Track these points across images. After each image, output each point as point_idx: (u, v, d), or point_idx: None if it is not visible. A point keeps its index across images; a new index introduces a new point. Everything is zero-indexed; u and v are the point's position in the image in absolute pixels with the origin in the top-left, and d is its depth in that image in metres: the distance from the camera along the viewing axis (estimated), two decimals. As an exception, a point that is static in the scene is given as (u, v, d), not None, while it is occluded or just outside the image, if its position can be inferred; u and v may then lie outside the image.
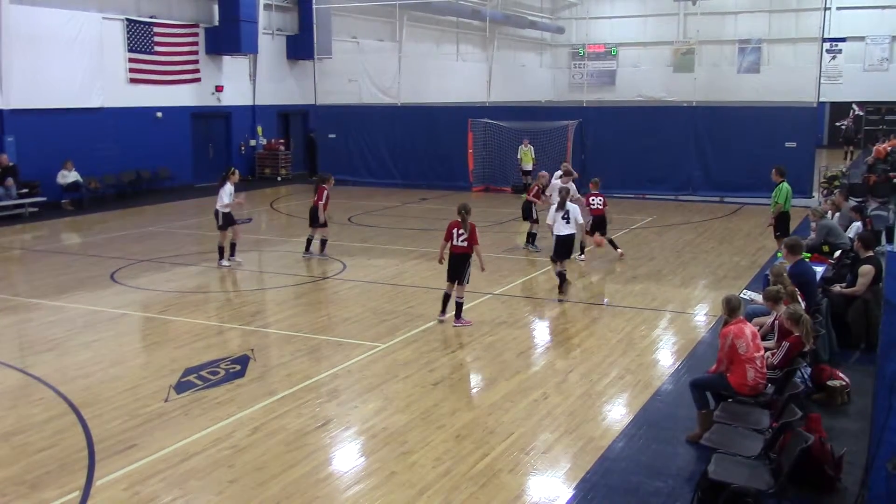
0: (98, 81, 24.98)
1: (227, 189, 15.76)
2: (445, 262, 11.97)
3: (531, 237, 17.64)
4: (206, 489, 7.03)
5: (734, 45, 39.73)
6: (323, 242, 16.80)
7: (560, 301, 13.49)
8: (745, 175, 24.06)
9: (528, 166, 25.81)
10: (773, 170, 15.72)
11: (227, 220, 15.78)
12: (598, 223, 16.19)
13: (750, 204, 23.59)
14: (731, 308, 8.01)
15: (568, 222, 13.70)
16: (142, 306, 13.26)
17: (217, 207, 15.73)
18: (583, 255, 16.47)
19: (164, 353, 10.71)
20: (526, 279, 14.96)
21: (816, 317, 9.58)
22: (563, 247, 13.78)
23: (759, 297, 10.95)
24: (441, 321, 12.06)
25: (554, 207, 14.05)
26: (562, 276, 13.80)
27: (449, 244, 11.82)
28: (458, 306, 11.95)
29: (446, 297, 12.07)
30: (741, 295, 11.18)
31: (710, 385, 8.08)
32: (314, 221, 16.52)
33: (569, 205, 13.78)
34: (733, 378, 7.82)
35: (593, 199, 16.21)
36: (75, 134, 24.20)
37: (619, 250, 16.62)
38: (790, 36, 41.61)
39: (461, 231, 11.70)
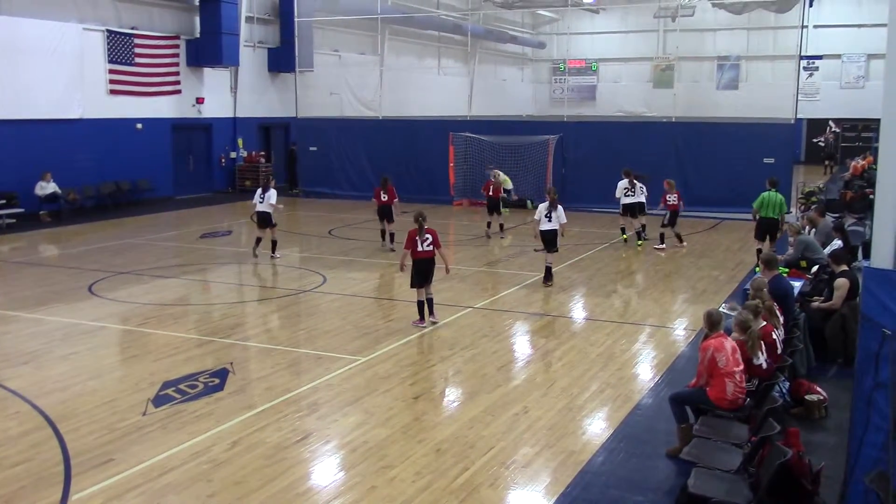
0: (78, 92, 24.84)
1: (274, 192, 17.69)
2: (408, 271, 12.57)
3: (501, 227, 21.06)
4: (184, 504, 6.97)
5: (713, 62, 40.08)
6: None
7: (547, 286, 15.26)
8: (725, 190, 24.25)
9: (509, 186, 25.49)
10: (768, 180, 17.27)
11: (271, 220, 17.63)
12: (672, 217, 19.02)
13: (729, 219, 23.76)
14: (713, 322, 8.06)
15: (550, 220, 15.20)
16: (120, 319, 13.16)
17: (264, 209, 17.42)
18: (663, 245, 19.20)
19: (143, 366, 10.63)
20: (507, 293, 14.98)
21: (794, 331, 9.66)
22: (545, 240, 15.32)
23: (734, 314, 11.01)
24: (422, 327, 12.37)
25: (544, 205, 15.46)
26: (548, 269, 15.49)
27: (411, 252, 12.37)
28: (431, 302, 12.59)
29: (421, 304, 12.51)
30: (721, 309, 11.24)
31: (690, 399, 8.12)
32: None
33: (559, 207, 15.36)
34: (712, 392, 7.86)
35: (669, 197, 18.89)
36: (54, 145, 24.03)
37: (683, 243, 19.36)
38: (768, 53, 42.09)
39: (426, 237, 12.30)
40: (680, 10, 34.20)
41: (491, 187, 21.06)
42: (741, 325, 8.24)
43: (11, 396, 9.47)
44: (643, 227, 19.82)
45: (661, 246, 19.27)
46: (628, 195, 19.56)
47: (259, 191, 17.84)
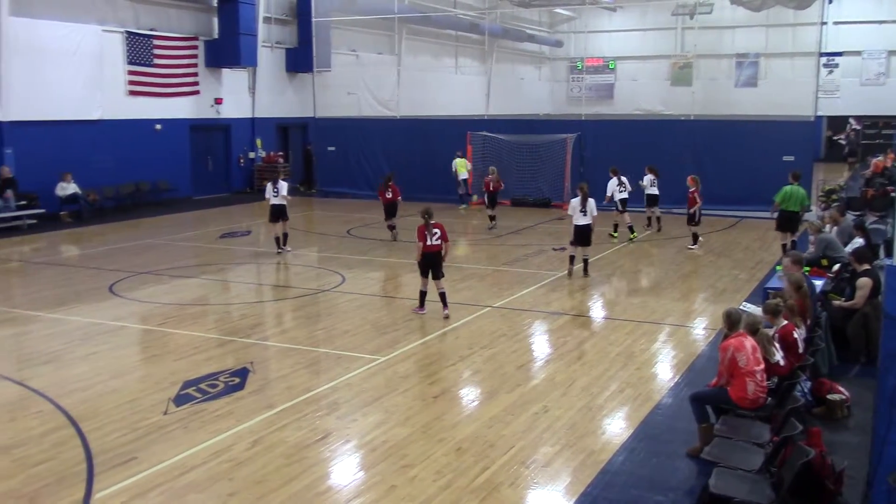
0: (97, 94, 25.02)
1: (286, 184, 18.45)
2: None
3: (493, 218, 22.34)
4: (205, 503, 7.00)
5: (732, 60, 39.88)
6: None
7: (568, 276, 15.83)
8: (744, 189, 24.10)
9: (464, 175, 26.57)
10: (790, 174, 17.64)
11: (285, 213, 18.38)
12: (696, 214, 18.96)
13: (748, 217, 23.62)
14: (732, 322, 8.02)
15: (585, 214, 15.61)
16: (141, 319, 13.25)
17: (279, 202, 18.11)
18: (695, 245, 19.11)
19: (163, 365, 10.69)
20: (525, 292, 14.95)
21: (816, 330, 9.59)
22: (581, 235, 15.75)
23: (758, 310, 10.96)
24: (422, 314, 13.04)
25: (576, 200, 15.81)
26: (572, 259, 16.04)
27: (422, 245, 12.89)
28: (443, 296, 13.01)
29: (423, 294, 13.19)
30: (741, 307, 11.17)
31: (711, 399, 8.08)
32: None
33: (590, 200, 15.68)
34: (733, 391, 7.82)
35: (696, 194, 18.80)
36: (74, 146, 24.22)
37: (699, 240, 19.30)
38: (787, 50, 41.76)
39: (434, 231, 12.84)
40: (698, 8, 34.02)
41: (491, 183, 22.40)
42: (751, 327, 8.17)
43: (34, 396, 9.55)
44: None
45: (693, 246, 19.16)
46: (622, 191, 20.46)
47: (270, 185, 18.47)
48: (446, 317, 12.86)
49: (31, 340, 12.06)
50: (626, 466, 7.76)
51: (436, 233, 12.89)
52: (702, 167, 25.19)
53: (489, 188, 22.58)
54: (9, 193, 21.94)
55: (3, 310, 13.62)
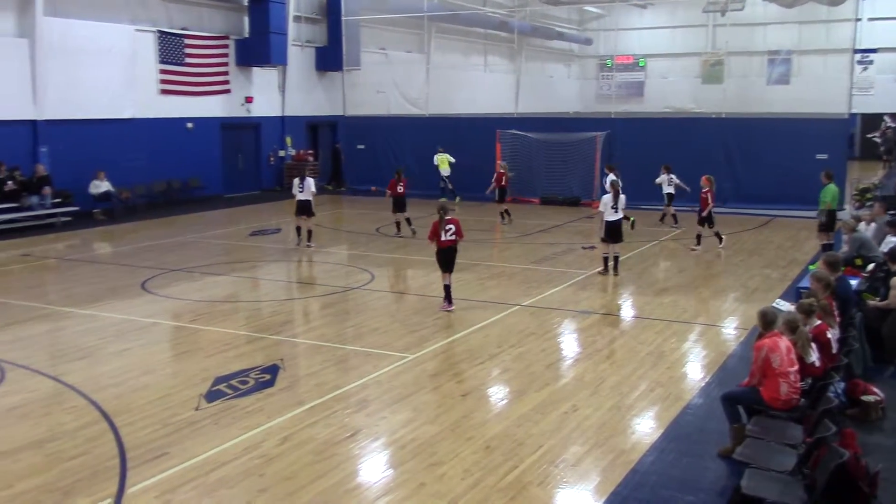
0: (130, 92, 25.30)
1: (312, 181, 18.93)
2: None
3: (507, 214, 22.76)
4: (236, 498, 7.05)
5: (763, 57, 39.42)
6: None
7: (602, 273, 15.86)
8: (775, 187, 23.87)
9: (446, 171, 26.98)
10: (823, 173, 17.52)
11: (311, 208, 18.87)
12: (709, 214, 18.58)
13: (780, 216, 23.37)
14: (767, 321, 7.92)
15: (616, 210, 15.59)
16: (172, 315, 13.37)
17: (305, 197, 18.56)
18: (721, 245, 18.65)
19: (195, 362, 10.79)
20: (554, 290, 14.91)
21: (850, 330, 9.47)
22: (612, 230, 15.69)
23: (792, 309, 10.84)
24: (450, 311, 13.14)
25: (608, 196, 15.77)
26: (605, 259, 15.94)
27: (436, 241, 13.17)
28: (447, 289, 13.34)
29: (447, 288, 13.35)
30: (774, 305, 11.07)
31: (743, 399, 8.00)
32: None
33: (621, 196, 15.69)
34: (766, 392, 7.74)
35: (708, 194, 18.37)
36: (107, 144, 24.50)
37: (699, 247, 18.74)
38: (820, 47, 41.15)
39: (448, 227, 13.05)
40: (730, 5, 33.66)
41: (503, 178, 22.94)
42: (789, 326, 8.09)
43: (68, 391, 9.68)
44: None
45: (721, 246, 18.76)
46: (670, 185, 21.49)
47: (297, 181, 18.90)
48: (445, 309, 13.20)
49: (66, 336, 12.23)
50: (657, 466, 7.72)
51: (450, 228, 13.09)
52: (733, 165, 25.06)
53: (502, 182, 22.90)
54: (46, 190, 22.24)
55: (38, 306, 13.82)
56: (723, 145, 25.23)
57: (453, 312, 13.09)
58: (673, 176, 21.93)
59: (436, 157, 26.99)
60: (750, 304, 13.57)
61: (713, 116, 26.79)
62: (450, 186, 26.88)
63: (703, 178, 18.62)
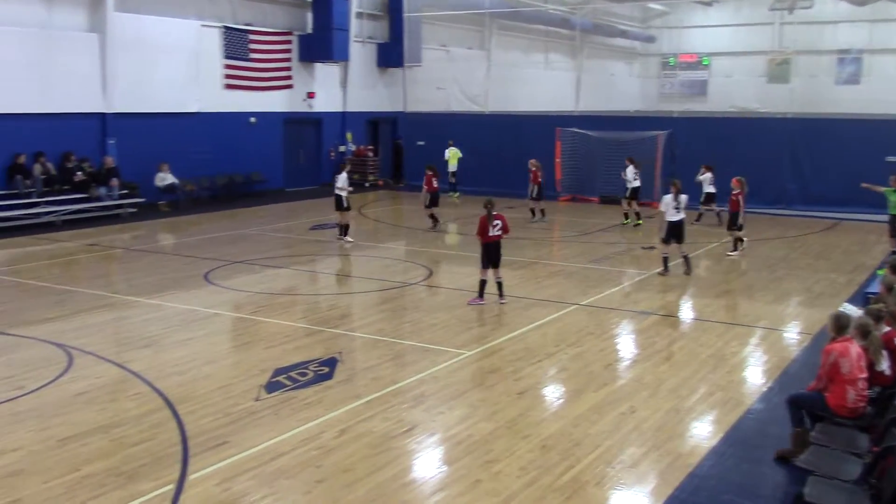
0: (195, 87, 25.78)
1: (342, 176, 18.97)
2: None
3: (542, 212, 22.63)
4: (294, 488, 7.15)
5: (832, 56, 38.50)
6: (345, 227, 19.13)
7: (661, 274, 15.68)
8: (843, 190, 23.25)
9: (454, 167, 27.64)
10: (892, 176, 17.09)
11: (339, 203, 18.92)
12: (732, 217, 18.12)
13: (847, 219, 22.83)
14: (840, 326, 7.72)
15: (678, 210, 15.52)
16: (233, 306, 13.59)
17: (336, 192, 18.81)
18: (736, 252, 18.11)
19: (255, 353, 10.96)
20: (613, 290, 14.79)
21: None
22: (675, 230, 15.63)
23: (860, 313, 10.59)
24: (481, 304, 13.31)
25: (669, 196, 15.68)
26: (666, 260, 15.83)
27: (481, 236, 13.29)
28: (500, 286, 13.43)
29: (483, 283, 13.43)
30: (841, 310, 10.82)
31: (808, 403, 7.81)
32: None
33: (682, 196, 15.60)
34: (832, 398, 7.56)
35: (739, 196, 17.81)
36: (173, 138, 25.01)
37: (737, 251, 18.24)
38: (893, 46, 40.10)
39: (496, 222, 13.17)
40: (798, 2, 32.94)
41: (538, 175, 22.84)
42: (861, 330, 7.89)
43: (133, 378, 9.91)
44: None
45: (734, 252, 18.10)
46: (636, 179, 21.74)
47: (336, 176, 19.44)
48: (501, 304, 13.28)
49: (131, 325, 12.52)
50: (716, 471, 7.60)
51: (497, 223, 13.19)
52: (799, 167, 24.55)
53: (538, 180, 22.75)
54: (114, 182, 22.79)
55: (105, 294, 14.18)
56: (789, 146, 24.74)
57: (504, 308, 13.06)
58: (710, 175, 21.91)
59: (447, 151, 27.59)
60: (814, 308, 13.30)
61: (779, 117, 26.25)
62: (452, 180, 27.47)
63: (734, 179, 18.05)
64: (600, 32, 43.98)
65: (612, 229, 21.55)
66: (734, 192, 17.76)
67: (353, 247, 18.87)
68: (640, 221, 21.81)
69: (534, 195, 22.70)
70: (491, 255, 13.32)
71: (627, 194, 21.97)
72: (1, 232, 19.91)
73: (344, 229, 19.12)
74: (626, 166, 21.95)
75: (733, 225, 17.93)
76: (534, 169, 22.76)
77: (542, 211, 22.71)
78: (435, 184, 21.32)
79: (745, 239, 18.35)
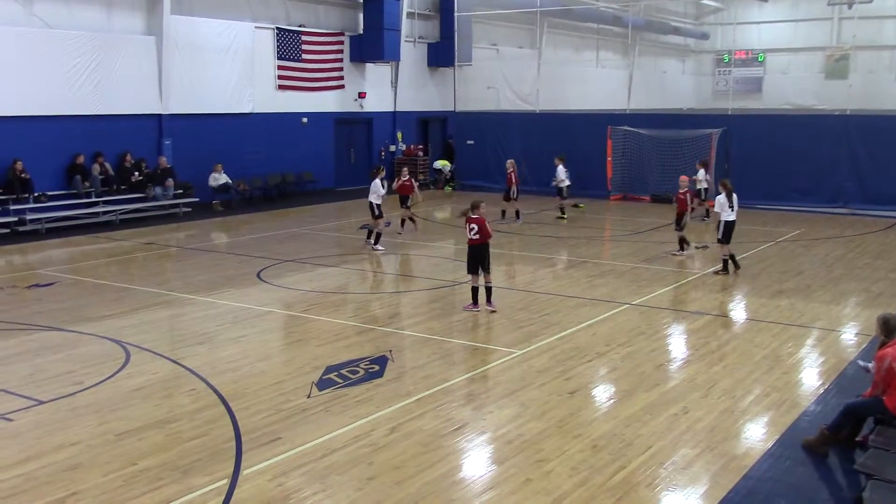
0: (249, 88, 26.12)
1: (376, 183, 18.34)
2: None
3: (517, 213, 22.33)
4: (346, 485, 7.20)
5: (893, 51, 37.60)
6: (377, 235, 18.51)
7: (716, 273, 15.58)
8: (904, 187, 22.75)
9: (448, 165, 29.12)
10: None
11: (371, 211, 18.42)
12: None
13: (908, 218, 22.28)
14: (890, 328, 7.56)
15: (733, 210, 15.36)
16: (286, 305, 13.74)
17: (369, 199, 18.38)
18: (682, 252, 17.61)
19: (307, 350, 11.06)
20: (665, 290, 14.63)
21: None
22: (731, 230, 15.41)
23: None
24: (476, 311, 12.91)
25: (723, 196, 15.44)
26: (725, 261, 15.59)
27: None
28: (489, 290, 12.96)
29: (475, 290, 12.97)
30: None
31: (867, 410, 7.64)
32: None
33: (734, 195, 15.42)
34: (890, 401, 7.39)
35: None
36: (226, 138, 25.39)
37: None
38: (955, 41, 39.06)
39: (472, 226, 12.74)
40: (857, -3, 32.24)
41: (513, 176, 22.27)
42: (887, 325, 7.70)
43: (188, 374, 10.07)
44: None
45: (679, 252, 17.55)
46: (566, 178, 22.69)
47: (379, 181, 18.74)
48: (491, 311, 12.83)
49: (186, 322, 12.73)
50: (771, 473, 7.47)
51: (473, 228, 12.75)
52: (857, 165, 24.03)
53: (514, 181, 22.15)
54: (169, 182, 23.21)
55: (160, 292, 14.45)
56: (846, 144, 24.21)
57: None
58: (704, 171, 21.67)
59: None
60: (873, 309, 12.97)
61: (836, 114, 25.71)
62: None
63: (682, 176, 17.95)
64: (653, 30, 43.56)
65: (663, 229, 21.29)
66: (681, 191, 17.23)
67: (403, 245, 18.94)
68: (566, 217, 22.70)
69: (513, 196, 22.10)
70: (472, 260, 12.85)
71: (563, 193, 22.90)
72: (61, 231, 20.42)
73: (373, 236, 18.51)
74: (557, 165, 22.69)
75: (678, 225, 17.34)
76: (510, 170, 22.24)
77: (517, 212, 22.22)
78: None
79: (691, 243, 17.89)
